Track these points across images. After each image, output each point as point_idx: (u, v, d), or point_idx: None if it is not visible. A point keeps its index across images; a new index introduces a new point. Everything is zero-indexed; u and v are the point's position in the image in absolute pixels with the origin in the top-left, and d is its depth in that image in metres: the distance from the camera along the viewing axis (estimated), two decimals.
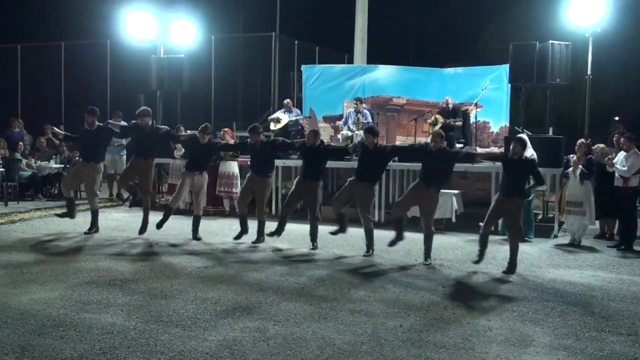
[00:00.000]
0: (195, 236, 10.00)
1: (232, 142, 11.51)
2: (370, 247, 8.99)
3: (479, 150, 12.73)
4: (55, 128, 12.22)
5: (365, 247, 9.02)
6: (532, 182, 8.36)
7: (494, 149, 13.78)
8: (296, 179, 9.68)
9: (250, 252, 9.12)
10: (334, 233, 9.27)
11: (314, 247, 9.35)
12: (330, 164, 11.76)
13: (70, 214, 10.33)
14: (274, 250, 9.27)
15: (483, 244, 8.22)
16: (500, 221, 9.95)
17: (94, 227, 10.28)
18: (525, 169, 8.17)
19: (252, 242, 9.67)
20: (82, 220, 10.50)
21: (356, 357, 5.08)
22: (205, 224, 10.47)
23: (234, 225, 11.19)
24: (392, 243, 8.73)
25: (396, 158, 11.52)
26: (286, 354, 5.11)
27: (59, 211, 12.58)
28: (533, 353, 5.27)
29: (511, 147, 8.23)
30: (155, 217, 10.17)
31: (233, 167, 12.40)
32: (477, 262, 8.20)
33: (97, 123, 10.19)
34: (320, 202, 9.45)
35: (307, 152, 9.51)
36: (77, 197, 11.53)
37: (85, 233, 10.12)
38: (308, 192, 9.32)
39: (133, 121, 10.48)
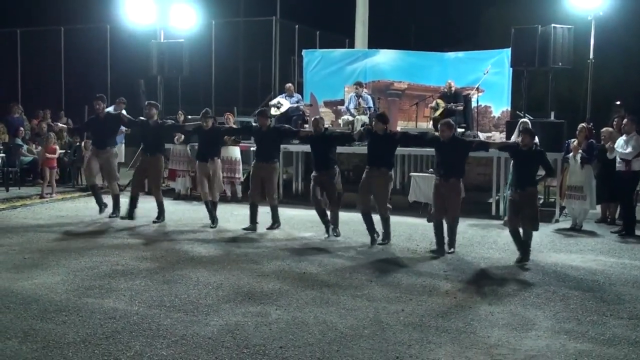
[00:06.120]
0: (213, 222, 9.95)
1: (234, 126, 11.49)
2: (386, 235, 8.81)
3: (481, 135, 12.67)
4: (59, 124, 12.23)
5: (382, 235, 8.81)
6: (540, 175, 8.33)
7: (496, 134, 13.75)
8: (312, 174, 9.37)
9: (252, 238, 9.13)
10: (370, 247, 8.78)
11: (337, 234, 9.21)
12: None
13: (100, 205, 10.40)
14: (276, 236, 9.27)
15: (518, 240, 7.99)
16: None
17: (116, 209, 10.41)
18: (535, 160, 8.09)
19: (267, 228, 9.62)
20: (83, 205, 10.49)
21: (358, 341, 5.09)
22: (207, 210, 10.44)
23: (235, 210, 11.22)
24: (435, 252, 8.35)
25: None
26: (288, 338, 5.12)
27: (59, 197, 12.64)
28: (535, 337, 5.29)
29: (520, 139, 8.16)
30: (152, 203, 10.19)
31: (235, 152, 12.38)
32: (521, 261, 7.85)
33: (105, 110, 10.28)
34: (338, 190, 9.26)
35: (315, 141, 9.38)
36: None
37: (110, 217, 10.30)
38: (326, 182, 9.13)
39: (141, 117, 10.53)
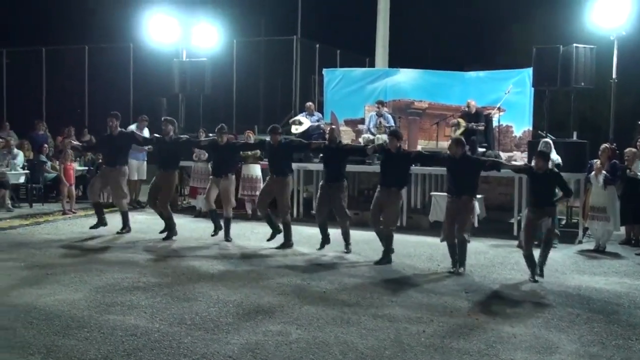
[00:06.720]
0: (227, 238, 10.09)
1: (248, 142, 11.57)
2: (387, 253, 8.78)
3: (502, 154, 12.61)
4: (73, 142, 12.36)
5: (382, 253, 8.82)
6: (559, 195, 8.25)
7: (517, 154, 13.67)
8: (320, 184, 9.61)
9: (272, 256, 9.13)
10: (378, 263, 8.74)
11: (348, 251, 9.28)
12: (350, 167, 11.77)
13: (100, 221, 10.47)
14: (295, 254, 9.26)
15: (531, 264, 7.93)
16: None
17: (125, 226, 10.52)
18: (551, 181, 8.03)
19: (277, 247, 9.60)
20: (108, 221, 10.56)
21: None
22: (211, 218, 10.50)
23: (255, 228, 11.22)
24: (455, 271, 8.23)
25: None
26: (309, 358, 5.10)
27: (82, 213, 12.77)
28: None
29: (534, 163, 8.12)
30: (177, 219, 10.23)
31: (256, 170, 12.43)
32: (539, 276, 7.86)
33: (119, 128, 10.39)
34: (345, 202, 9.29)
35: (327, 153, 9.49)
36: (102, 199, 11.70)
37: (118, 232, 10.38)
38: (333, 195, 9.21)
39: (155, 134, 10.69)
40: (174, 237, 10.18)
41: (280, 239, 9.74)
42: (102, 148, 11.29)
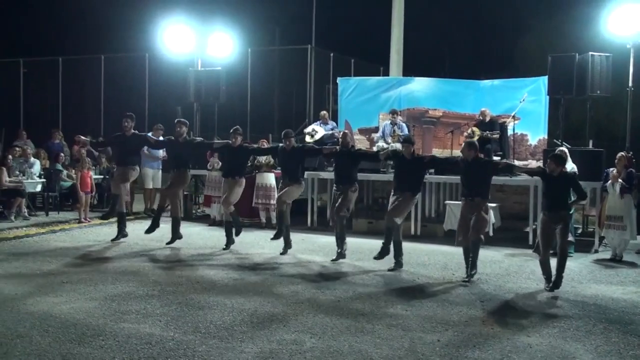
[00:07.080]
0: (227, 245, 10.21)
1: (261, 147, 11.61)
2: (386, 246, 8.83)
3: (517, 163, 12.53)
4: (81, 137, 12.46)
5: (380, 247, 8.89)
6: (573, 198, 8.18)
7: (532, 162, 13.59)
8: (333, 189, 9.63)
9: (286, 264, 9.13)
10: (392, 269, 8.80)
11: (340, 256, 9.28)
12: (365, 176, 11.77)
13: (121, 232, 10.60)
14: (309, 263, 9.27)
15: (547, 271, 7.87)
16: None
17: (112, 213, 10.70)
18: (565, 184, 7.98)
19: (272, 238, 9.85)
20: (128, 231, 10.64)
21: None
22: (242, 236, 10.51)
23: (270, 236, 11.21)
24: (468, 278, 8.18)
25: (432, 170, 11.47)
26: None
27: (97, 221, 12.84)
28: None
29: (547, 165, 8.08)
30: (191, 227, 10.26)
31: (270, 178, 12.44)
32: (551, 290, 7.71)
33: (132, 130, 10.52)
34: (350, 203, 9.32)
35: (340, 156, 9.49)
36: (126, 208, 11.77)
37: (112, 240, 10.51)
38: (340, 195, 9.25)
39: (167, 137, 10.78)
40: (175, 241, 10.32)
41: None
42: (114, 147, 11.42)
